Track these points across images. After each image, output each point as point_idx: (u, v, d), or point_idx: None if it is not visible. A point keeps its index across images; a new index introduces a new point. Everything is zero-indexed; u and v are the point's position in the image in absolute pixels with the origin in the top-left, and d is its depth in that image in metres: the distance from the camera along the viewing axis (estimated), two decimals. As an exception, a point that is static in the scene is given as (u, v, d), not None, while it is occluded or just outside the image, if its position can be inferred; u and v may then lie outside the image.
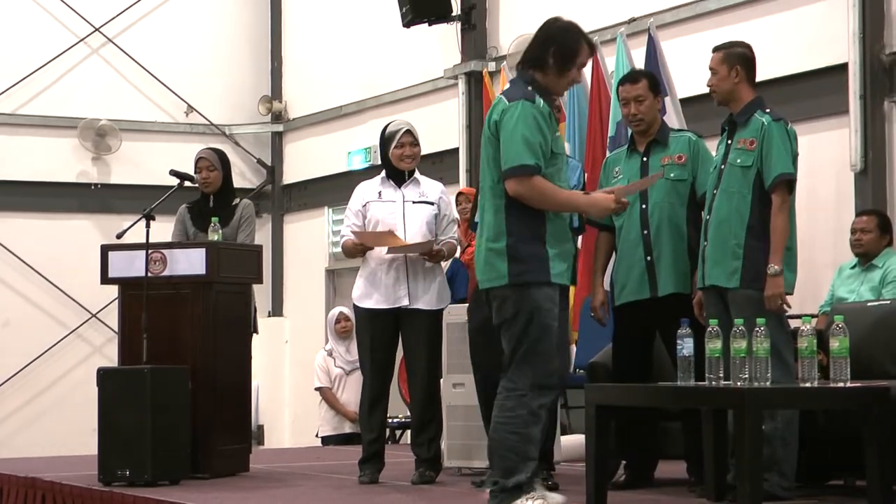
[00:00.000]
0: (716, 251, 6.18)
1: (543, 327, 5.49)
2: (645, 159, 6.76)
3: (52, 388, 14.54)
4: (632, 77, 6.96)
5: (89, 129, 14.72)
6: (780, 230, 6.08)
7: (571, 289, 7.30)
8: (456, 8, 12.37)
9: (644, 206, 6.65)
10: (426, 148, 8.13)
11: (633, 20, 10.57)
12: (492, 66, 12.20)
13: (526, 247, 5.51)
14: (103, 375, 7.38)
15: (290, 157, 15.52)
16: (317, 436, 11.36)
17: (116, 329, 7.93)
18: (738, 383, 5.53)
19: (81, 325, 14.57)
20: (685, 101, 9.71)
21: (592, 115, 10.13)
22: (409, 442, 8.25)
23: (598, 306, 6.81)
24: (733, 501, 5.61)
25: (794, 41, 9.65)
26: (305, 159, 15.20)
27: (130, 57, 14.96)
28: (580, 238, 7.43)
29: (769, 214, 6.09)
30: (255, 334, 8.11)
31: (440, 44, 12.86)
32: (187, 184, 8.05)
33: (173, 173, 8.00)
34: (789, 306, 6.12)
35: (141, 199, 9.35)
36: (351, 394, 10.84)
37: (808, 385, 5.57)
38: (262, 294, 12.06)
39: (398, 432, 11.31)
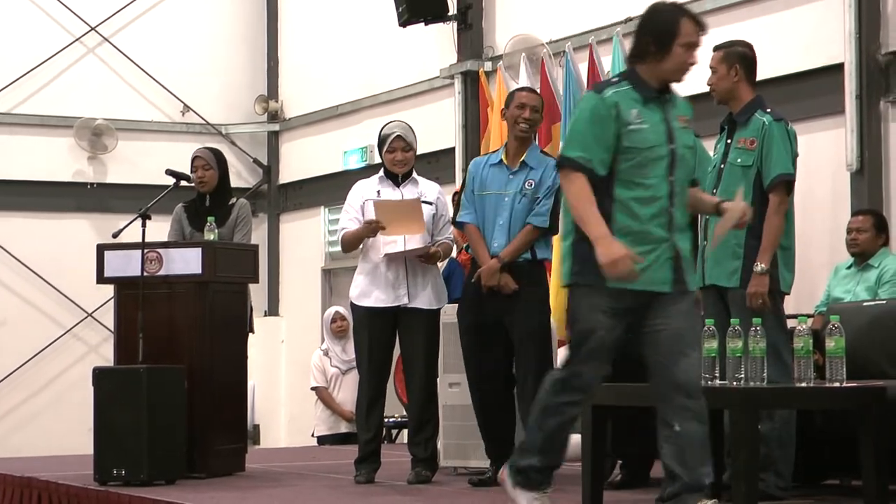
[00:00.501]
0: (716, 251, 6.16)
1: (584, 331, 5.25)
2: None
3: (47, 387, 14.51)
4: None
5: (85, 129, 14.68)
6: (774, 230, 6.08)
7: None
8: (452, 8, 12.34)
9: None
10: (422, 148, 8.12)
11: (629, 20, 10.53)
12: (488, 65, 12.18)
13: (581, 247, 5.21)
14: (99, 375, 7.37)
15: (287, 156, 15.49)
16: (313, 435, 11.35)
17: (112, 328, 7.92)
18: (734, 383, 5.53)
19: (77, 324, 14.53)
20: (683, 101, 9.69)
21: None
22: (405, 441, 8.25)
23: None
24: (729, 501, 5.60)
25: (791, 41, 9.64)
26: (301, 159, 15.17)
27: (126, 56, 14.93)
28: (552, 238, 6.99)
29: (770, 214, 6.09)
30: (251, 334, 8.11)
31: (436, 43, 12.84)
32: (183, 183, 8.05)
33: (169, 173, 8.00)
34: (777, 306, 6.12)
35: (137, 199, 9.31)
36: (347, 393, 10.83)
37: (803, 385, 5.57)
38: (258, 293, 12.08)
39: (394, 432, 11.31)
